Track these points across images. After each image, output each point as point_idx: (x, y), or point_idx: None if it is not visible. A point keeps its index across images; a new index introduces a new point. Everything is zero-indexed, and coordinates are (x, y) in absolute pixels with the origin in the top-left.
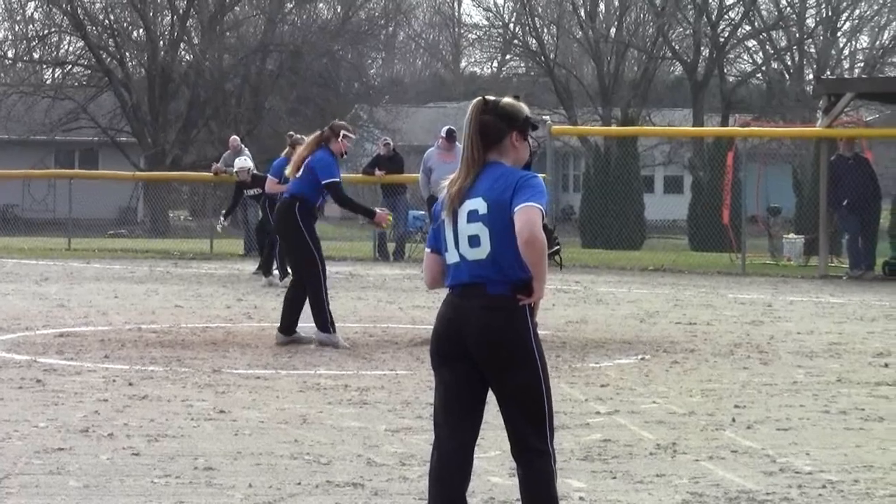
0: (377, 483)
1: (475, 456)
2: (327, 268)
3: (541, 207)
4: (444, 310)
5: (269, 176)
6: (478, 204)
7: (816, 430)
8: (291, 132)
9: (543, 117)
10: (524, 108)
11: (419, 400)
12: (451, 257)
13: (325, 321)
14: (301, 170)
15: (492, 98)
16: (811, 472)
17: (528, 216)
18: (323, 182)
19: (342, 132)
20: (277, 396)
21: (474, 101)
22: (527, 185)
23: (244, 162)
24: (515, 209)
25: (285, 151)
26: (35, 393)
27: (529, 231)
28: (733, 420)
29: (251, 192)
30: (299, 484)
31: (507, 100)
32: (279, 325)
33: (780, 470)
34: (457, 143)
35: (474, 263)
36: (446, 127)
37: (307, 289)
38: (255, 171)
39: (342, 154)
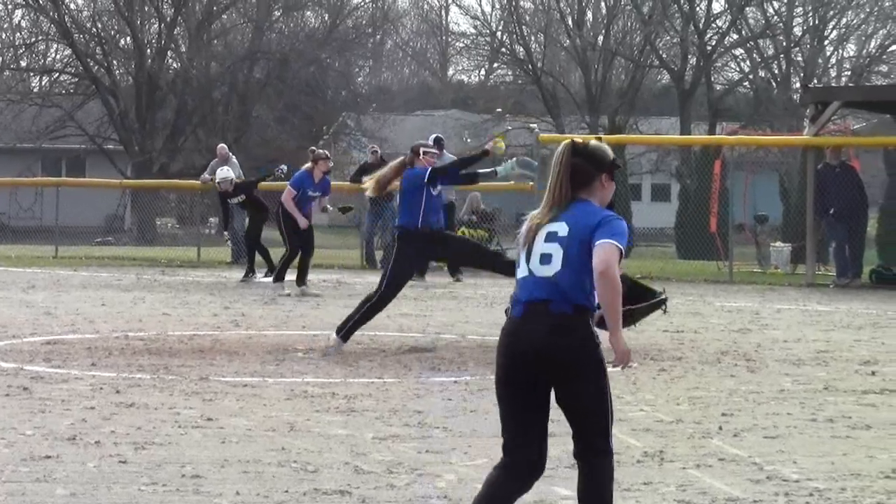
0: (364, 491)
1: (463, 464)
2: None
3: (620, 247)
4: (509, 327)
5: (288, 187)
6: (559, 227)
7: (803, 438)
8: (313, 147)
9: (530, 125)
10: (610, 151)
11: (406, 408)
12: (521, 272)
13: (346, 327)
14: (398, 197)
15: (580, 141)
16: (798, 480)
17: (606, 253)
18: (426, 180)
19: (422, 150)
20: (265, 404)
21: (563, 143)
22: (610, 224)
23: (226, 173)
24: (596, 243)
25: (307, 166)
26: (22, 401)
27: (605, 266)
28: (720, 428)
29: (234, 199)
30: (286, 492)
31: (594, 143)
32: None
33: (768, 478)
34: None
35: (541, 280)
36: (434, 135)
37: (368, 299)
38: (237, 180)
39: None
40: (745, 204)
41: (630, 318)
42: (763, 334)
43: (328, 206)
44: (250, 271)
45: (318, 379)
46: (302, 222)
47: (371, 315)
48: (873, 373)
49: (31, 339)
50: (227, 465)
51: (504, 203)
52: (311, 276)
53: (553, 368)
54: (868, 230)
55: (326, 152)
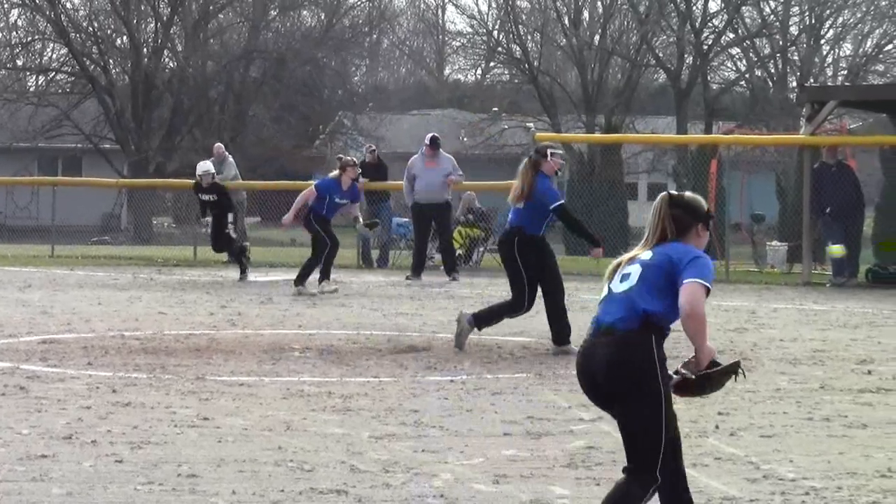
0: (361, 490)
1: (459, 464)
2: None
3: (708, 286)
4: (582, 346)
5: (312, 186)
6: (646, 254)
7: (800, 437)
8: (340, 154)
9: (527, 125)
10: (704, 203)
11: (402, 407)
12: (602, 293)
13: (482, 321)
14: (524, 201)
15: (676, 193)
16: (794, 479)
17: (694, 292)
18: (551, 207)
19: (548, 150)
20: (261, 403)
21: (662, 195)
22: (699, 263)
23: (208, 166)
24: (683, 282)
25: (334, 174)
26: (18, 400)
27: (691, 306)
28: (717, 427)
29: (206, 196)
30: (283, 491)
31: (689, 195)
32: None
33: (764, 477)
34: (440, 150)
35: (617, 296)
36: (430, 134)
37: (509, 304)
38: (216, 180)
39: (555, 172)
40: (742, 203)
41: (707, 385)
42: (759, 333)
43: (359, 217)
44: (244, 270)
45: (314, 378)
46: (286, 218)
47: (507, 315)
48: (869, 372)
49: (28, 338)
50: (223, 465)
51: (499, 202)
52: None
53: (614, 384)
54: (864, 229)
55: (354, 159)
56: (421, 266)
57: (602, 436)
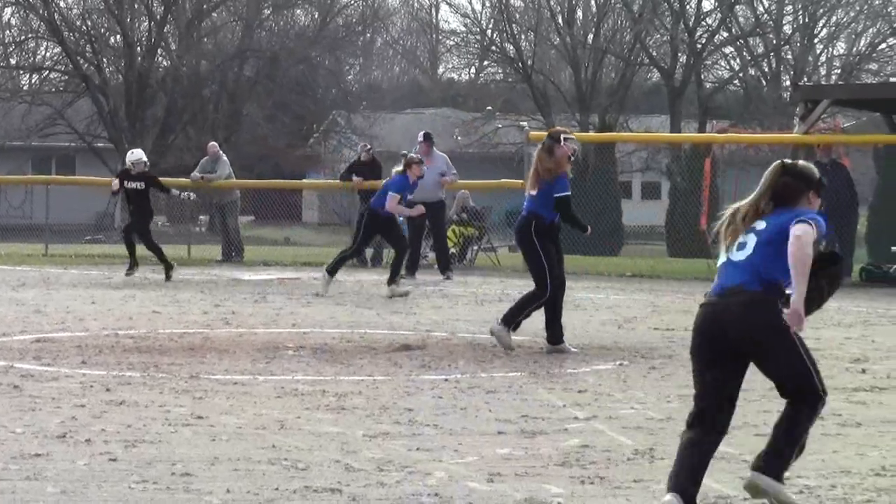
0: (355, 488)
1: (454, 462)
2: (555, 285)
3: (812, 223)
4: (705, 305)
5: (391, 192)
6: (759, 223)
7: None
8: (405, 152)
9: (521, 124)
10: (816, 171)
11: (397, 405)
12: (720, 259)
13: (512, 319)
14: (537, 188)
15: (789, 161)
16: (788, 478)
17: (801, 228)
18: (555, 195)
19: (562, 136)
20: (255, 402)
21: (775, 164)
22: (811, 215)
23: (139, 154)
24: (792, 224)
25: (398, 169)
26: (12, 398)
27: (797, 236)
28: None
29: (133, 184)
30: (277, 489)
31: (802, 163)
32: (547, 336)
33: None
34: (434, 149)
35: (737, 264)
36: (423, 131)
37: (532, 292)
38: (147, 170)
39: (568, 158)
40: (736, 202)
41: (820, 289)
42: None
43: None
44: (134, 265)
45: (308, 377)
46: (417, 210)
47: (534, 304)
48: (863, 370)
49: (21, 337)
50: (217, 463)
51: (493, 201)
52: (303, 275)
53: (745, 343)
54: (858, 228)
55: (420, 157)
56: (415, 265)
57: (596, 434)
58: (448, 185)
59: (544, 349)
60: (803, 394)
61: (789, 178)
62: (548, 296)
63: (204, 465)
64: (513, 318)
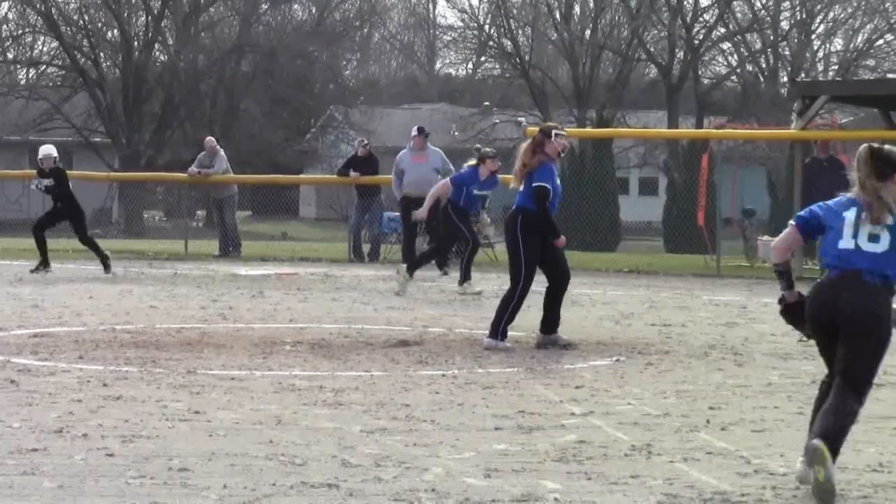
0: (352, 484)
1: (451, 458)
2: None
3: None
4: (822, 285)
5: (449, 180)
6: (891, 220)
7: (791, 432)
8: (479, 146)
9: (518, 119)
10: None
11: (394, 401)
12: (844, 243)
13: (497, 329)
14: (523, 181)
15: (876, 146)
16: (786, 474)
17: None
18: (533, 184)
19: (553, 131)
20: (252, 397)
21: (863, 147)
22: None
23: (49, 150)
24: None
25: (471, 163)
26: (9, 393)
27: None
28: (708, 422)
29: (43, 183)
30: (274, 485)
31: (887, 147)
32: (540, 325)
33: (755, 471)
34: (429, 144)
35: (866, 254)
36: (417, 125)
37: (505, 297)
38: (58, 165)
39: (559, 154)
40: (733, 198)
41: None
42: (750, 328)
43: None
44: (44, 264)
45: (305, 372)
46: (419, 214)
47: (512, 303)
48: None
49: (19, 331)
50: (214, 458)
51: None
52: (299, 270)
53: (847, 322)
54: None
55: (494, 150)
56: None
57: (593, 430)
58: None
59: (537, 339)
60: (854, 387)
61: (878, 162)
62: (518, 293)
63: (201, 461)
64: (497, 328)
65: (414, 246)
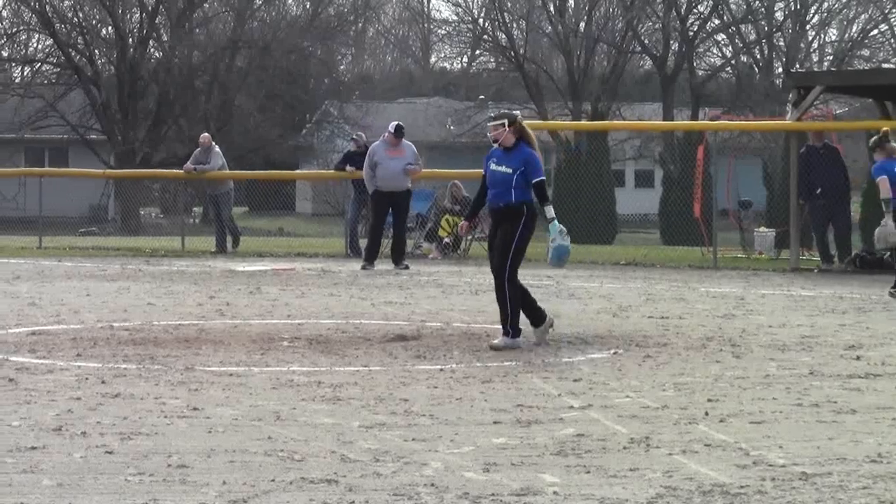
0: (351, 479)
1: (449, 452)
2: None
3: None
4: None
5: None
6: None
7: (789, 423)
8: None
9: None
10: None
11: (393, 396)
12: None
13: (512, 325)
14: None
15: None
16: (784, 465)
17: None
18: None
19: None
20: (251, 393)
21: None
22: None
23: None
24: None
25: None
26: (7, 392)
27: None
28: (706, 414)
29: None
30: (273, 481)
31: None
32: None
33: (754, 463)
34: (403, 139)
35: None
36: (395, 123)
37: (500, 295)
38: None
39: (494, 140)
40: (729, 189)
41: None
42: (748, 320)
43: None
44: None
45: (303, 368)
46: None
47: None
48: (858, 357)
49: (16, 329)
50: (213, 455)
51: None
52: (296, 265)
53: None
54: (852, 215)
55: None
56: (375, 253)
57: (591, 423)
58: (413, 175)
59: (533, 334)
60: None
61: None
62: (506, 281)
63: (200, 457)
64: (512, 324)
65: (381, 238)
